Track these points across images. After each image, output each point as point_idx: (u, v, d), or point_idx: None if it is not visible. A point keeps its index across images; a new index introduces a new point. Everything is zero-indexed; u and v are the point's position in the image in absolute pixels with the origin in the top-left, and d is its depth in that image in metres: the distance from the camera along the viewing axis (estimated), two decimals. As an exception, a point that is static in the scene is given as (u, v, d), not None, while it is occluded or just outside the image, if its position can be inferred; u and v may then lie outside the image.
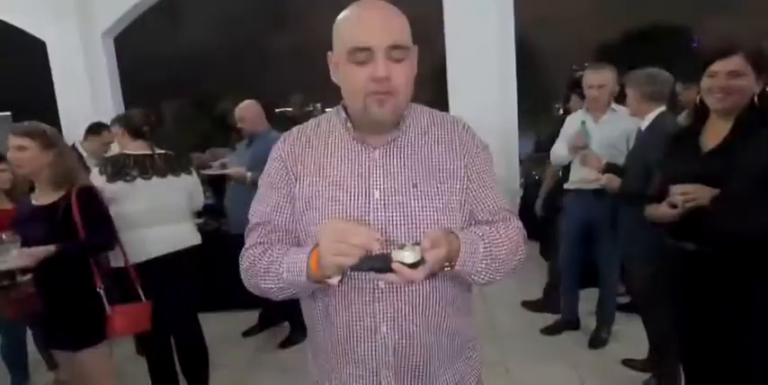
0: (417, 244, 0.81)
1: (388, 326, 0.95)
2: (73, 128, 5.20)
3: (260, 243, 0.99)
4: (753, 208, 1.38)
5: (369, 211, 0.93)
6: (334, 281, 0.86)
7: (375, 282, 0.93)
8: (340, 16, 0.93)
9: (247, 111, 3.22)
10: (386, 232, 0.92)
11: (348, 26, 0.91)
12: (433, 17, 5.13)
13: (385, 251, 0.83)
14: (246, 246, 1.01)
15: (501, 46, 4.91)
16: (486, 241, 0.92)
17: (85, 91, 5.28)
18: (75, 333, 1.89)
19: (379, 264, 0.80)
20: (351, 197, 0.94)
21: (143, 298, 2.13)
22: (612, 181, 2.43)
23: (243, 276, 1.01)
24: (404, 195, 0.94)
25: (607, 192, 2.53)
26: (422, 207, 0.93)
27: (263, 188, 1.04)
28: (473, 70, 4.88)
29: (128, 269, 2.17)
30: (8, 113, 5.54)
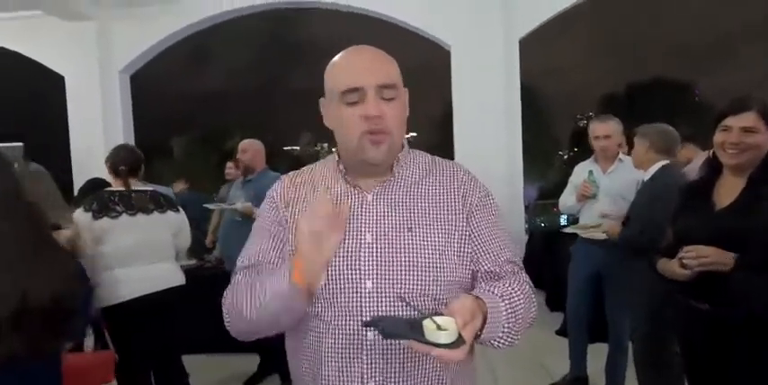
0: (437, 314, 0.76)
1: (377, 383, 0.89)
2: (84, 161, 5.26)
3: (243, 280, 0.96)
4: None
5: (360, 254, 0.90)
6: (322, 280, 0.83)
7: (363, 333, 0.89)
8: (331, 62, 0.96)
9: (251, 145, 3.34)
10: (378, 276, 0.89)
11: (338, 70, 0.94)
12: (440, 65, 5.28)
13: (409, 312, 0.80)
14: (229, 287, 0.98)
15: (507, 94, 5.02)
16: (507, 302, 0.87)
17: (98, 126, 5.38)
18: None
19: (411, 333, 0.75)
20: (343, 239, 0.90)
21: (110, 346, 2.04)
22: (613, 228, 2.41)
23: (227, 317, 0.95)
24: (397, 239, 0.91)
25: (615, 243, 2.49)
26: (417, 250, 0.90)
27: (254, 231, 1.03)
28: (479, 117, 4.96)
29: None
30: (20, 144, 5.62)
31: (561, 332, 3.78)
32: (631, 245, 2.28)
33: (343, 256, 0.90)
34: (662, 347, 2.20)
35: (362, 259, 0.90)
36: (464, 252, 0.94)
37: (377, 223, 0.92)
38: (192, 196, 5.15)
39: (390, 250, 0.90)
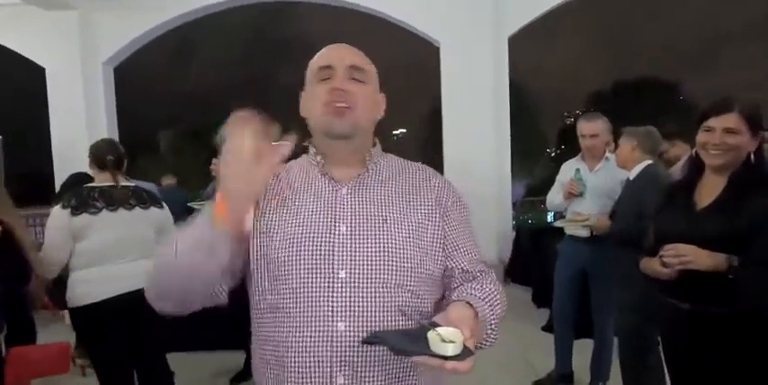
0: (434, 325, 0.75)
1: (346, 377, 0.88)
2: (65, 155, 5.15)
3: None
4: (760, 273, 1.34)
5: (333, 245, 0.90)
6: (249, 218, 0.82)
7: (333, 324, 0.87)
8: None
9: None
10: (352, 265, 0.88)
11: (316, 56, 1.01)
12: (430, 62, 5.28)
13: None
14: None
15: (495, 91, 5.04)
16: (489, 304, 0.89)
17: (81, 119, 5.28)
18: None
19: (420, 348, 0.74)
20: (315, 229, 0.91)
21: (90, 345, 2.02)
22: (601, 222, 2.43)
23: (149, 293, 0.92)
24: (373, 229, 0.91)
25: (602, 240, 2.51)
26: (392, 241, 0.91)
27: None
28: (468, 114, 4.97)
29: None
30: (-1, 137, 5.49)
31: (547, 328, 3.82)
32: (622, 237, 2.30)
33: (316, 246, 0.89)
34: (647, 344, 2.23)
35: (336, 249, 0.89)
36: (437, 246, 0.95)
37: (351, 215, 0.93)
38: (176, 192, 5.07)
39: (365, 240, 0.90)
